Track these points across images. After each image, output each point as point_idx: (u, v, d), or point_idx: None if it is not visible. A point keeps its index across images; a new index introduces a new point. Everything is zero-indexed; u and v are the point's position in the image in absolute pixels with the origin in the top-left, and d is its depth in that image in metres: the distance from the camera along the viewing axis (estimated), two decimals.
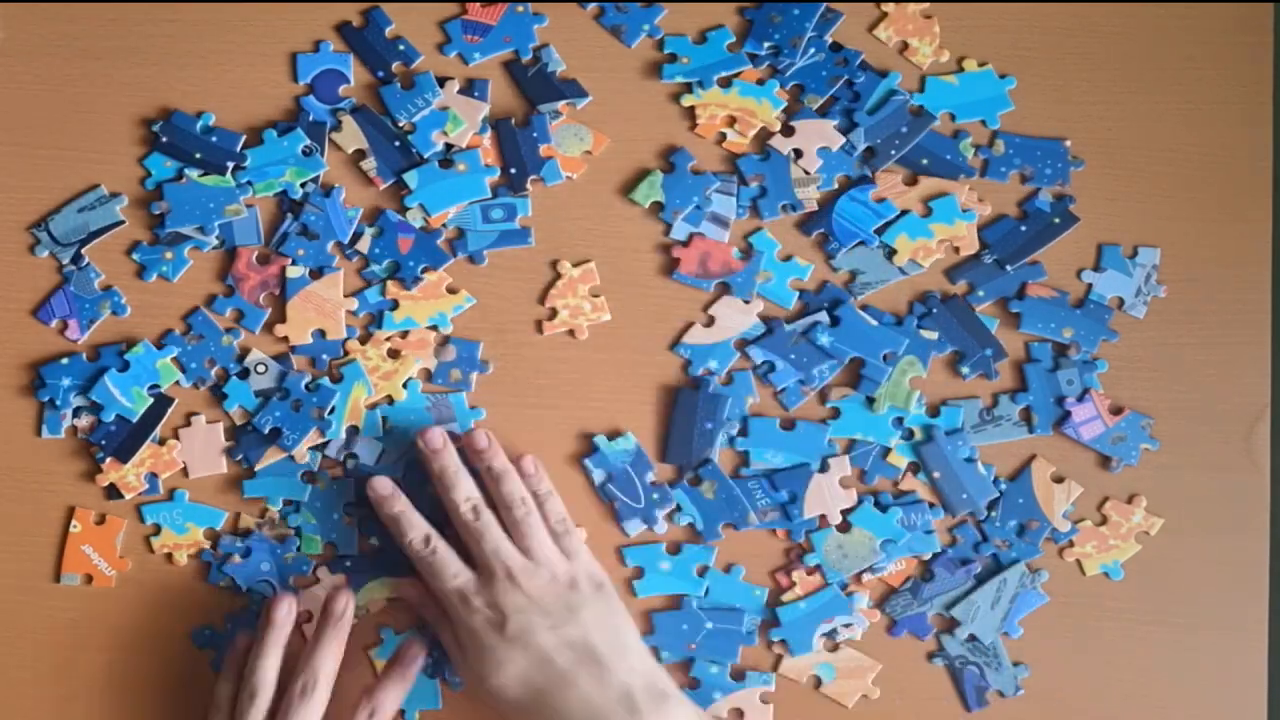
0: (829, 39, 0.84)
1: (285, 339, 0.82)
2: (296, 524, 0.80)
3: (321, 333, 0.82)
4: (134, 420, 0.80)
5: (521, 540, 0.76)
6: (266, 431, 0.80)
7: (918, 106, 0.84)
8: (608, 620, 0.75)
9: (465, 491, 0.77)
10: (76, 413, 0.81)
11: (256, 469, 0.80)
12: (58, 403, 0.81)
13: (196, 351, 0.82)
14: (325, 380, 0.81)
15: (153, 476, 0.81)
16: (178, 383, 0.81)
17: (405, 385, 0.81)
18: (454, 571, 0.75)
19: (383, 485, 0.77)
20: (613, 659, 0.73)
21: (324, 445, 0.81)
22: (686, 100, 0.84)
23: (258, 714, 0.73)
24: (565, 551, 0.76)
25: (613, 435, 0.81)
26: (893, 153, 0.83)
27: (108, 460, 0.80)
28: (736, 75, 0.84)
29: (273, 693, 0.74)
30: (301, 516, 0.80)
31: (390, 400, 0.81)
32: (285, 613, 0.76)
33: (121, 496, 0.81)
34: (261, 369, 0.81)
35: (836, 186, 0.83)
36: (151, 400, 0.81)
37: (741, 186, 0.83)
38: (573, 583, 0.75)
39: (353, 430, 0.81)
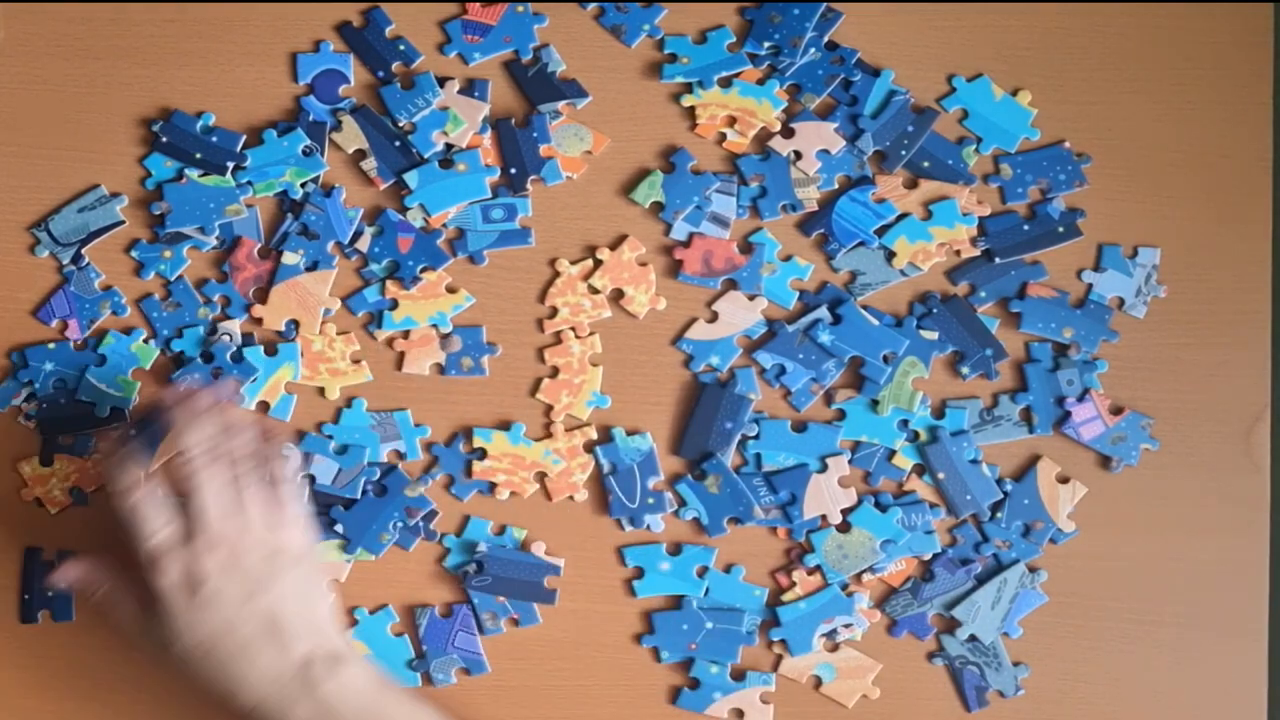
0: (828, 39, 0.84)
1: (260, 320, 0.82)
2: None
3: (295, 324, 0.82)
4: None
5: (235, 500, 0.73)
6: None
7: (919, 105, 0.84)
8: (303, 592, 0.73)
9: (196, 438, 0.73)
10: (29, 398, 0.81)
11: None
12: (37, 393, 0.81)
13: (170, 319, 0.81)
14: (259, 353, 0.81)
15: (79, 490, 0.80)
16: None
17: (351, 403, 0.81)
18: (155, 527, 0.72)
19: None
20: (298, 631, 0.71)
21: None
22: (686, 100, 0.84)
23: None
24: (279, 520, 0.74)
25: (631, 431, 0.81)
26: (903, 153, 0.83)
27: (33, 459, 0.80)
28: (736, 75, 0.84)
29: None
30: None
31: (323, 392, 0.81)
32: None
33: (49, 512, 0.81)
34: (227, 338, 0.81)
35: (837, 187, 0.83)
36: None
37: (741, 186, 0.83)
38: (275, 553, 0.73)
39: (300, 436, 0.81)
